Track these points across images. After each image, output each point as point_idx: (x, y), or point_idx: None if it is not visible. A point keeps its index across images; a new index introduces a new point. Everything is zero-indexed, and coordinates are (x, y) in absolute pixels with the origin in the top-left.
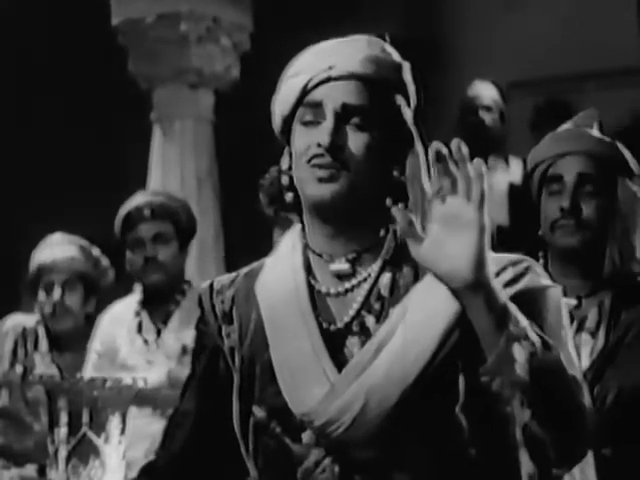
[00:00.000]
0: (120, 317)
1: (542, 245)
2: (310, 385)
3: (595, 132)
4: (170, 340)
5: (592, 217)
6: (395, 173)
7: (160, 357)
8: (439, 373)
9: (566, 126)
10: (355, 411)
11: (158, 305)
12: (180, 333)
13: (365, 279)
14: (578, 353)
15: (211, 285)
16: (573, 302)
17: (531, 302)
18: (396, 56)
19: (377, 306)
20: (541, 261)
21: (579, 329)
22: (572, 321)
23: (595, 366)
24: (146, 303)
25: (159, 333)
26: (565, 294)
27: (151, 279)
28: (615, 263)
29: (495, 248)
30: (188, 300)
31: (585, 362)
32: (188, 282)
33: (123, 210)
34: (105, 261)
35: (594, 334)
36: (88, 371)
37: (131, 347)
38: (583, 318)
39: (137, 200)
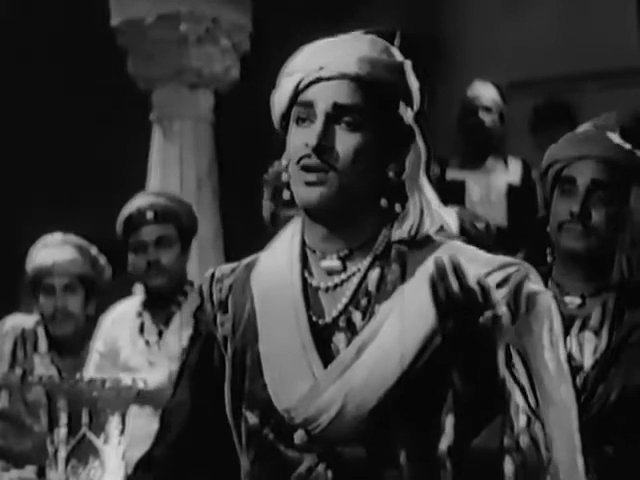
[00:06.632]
0: (122, 318)
1: (550, 243)
2: (295, 379)
3: (614, 137)
4: (171, 341)
5: (601, 224)
6: (390, 173)
7: (162, 358)
8: (422, 374)
9: (586, 127)
10: (333, 413)
11: (160, 307)
12: (181, 334)
13: (354, 273)
14: (581, 351)
15: (213, 273)
16: (577, 301)
17: (518, 308)
18: (398, 56)
19: (364, 302)
20: (549, 258)
21: (582, 327)
22: (575, 319)
23: (598, 365)
24: (148, 305)
25: (161, 334)
26: (568, 293)
27: (154, 282)
28: (623, 272)
29: (494, 248)
30: (190, 301)
31: (588, 361)
32: (191, 283)
33: (125, 211)
34: (102, 259)
35: (597, 333)
36: (90, 371)
37: (133, 348)
38: (587, 317)
39: (139, 202)
